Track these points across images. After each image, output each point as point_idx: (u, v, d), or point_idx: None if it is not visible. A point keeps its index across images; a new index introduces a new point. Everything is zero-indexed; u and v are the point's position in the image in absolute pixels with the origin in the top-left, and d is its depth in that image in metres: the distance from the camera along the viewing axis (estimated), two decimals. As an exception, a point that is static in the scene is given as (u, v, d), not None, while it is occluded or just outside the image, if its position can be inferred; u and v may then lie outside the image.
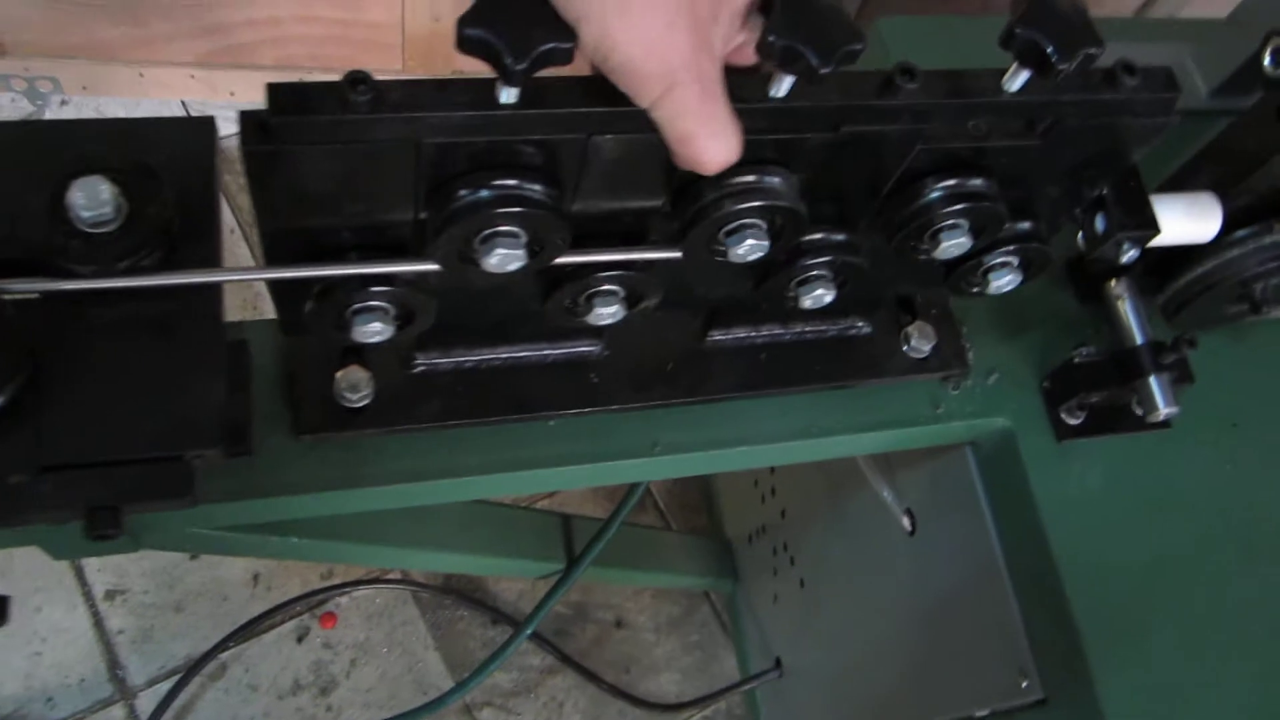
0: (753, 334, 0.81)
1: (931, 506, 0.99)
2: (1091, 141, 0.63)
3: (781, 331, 0.82)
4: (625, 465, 0.79)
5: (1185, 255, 0.83)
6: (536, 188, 0.54)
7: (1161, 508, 0.85)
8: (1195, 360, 0.91)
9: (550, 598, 1.23)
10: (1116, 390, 0.83)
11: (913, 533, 1.02)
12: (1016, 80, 0.57)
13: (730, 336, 0.81)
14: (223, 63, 1.70)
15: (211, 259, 0.59)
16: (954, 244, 0.64)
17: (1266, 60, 0.65)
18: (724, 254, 0.60)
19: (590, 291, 0.64)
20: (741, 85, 0.54)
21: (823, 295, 0.68)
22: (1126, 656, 0.79)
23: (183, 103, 1.76)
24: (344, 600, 1.53)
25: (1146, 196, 0.70)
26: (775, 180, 0.59)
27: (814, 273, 0.67)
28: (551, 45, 0.47)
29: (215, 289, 0.58)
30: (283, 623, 1.50)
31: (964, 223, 0.64)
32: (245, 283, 1.38)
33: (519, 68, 0.47)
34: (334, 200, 0.54)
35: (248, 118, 0.49)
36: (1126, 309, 0.84)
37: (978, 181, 0.63)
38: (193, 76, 1.70)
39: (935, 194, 0.63)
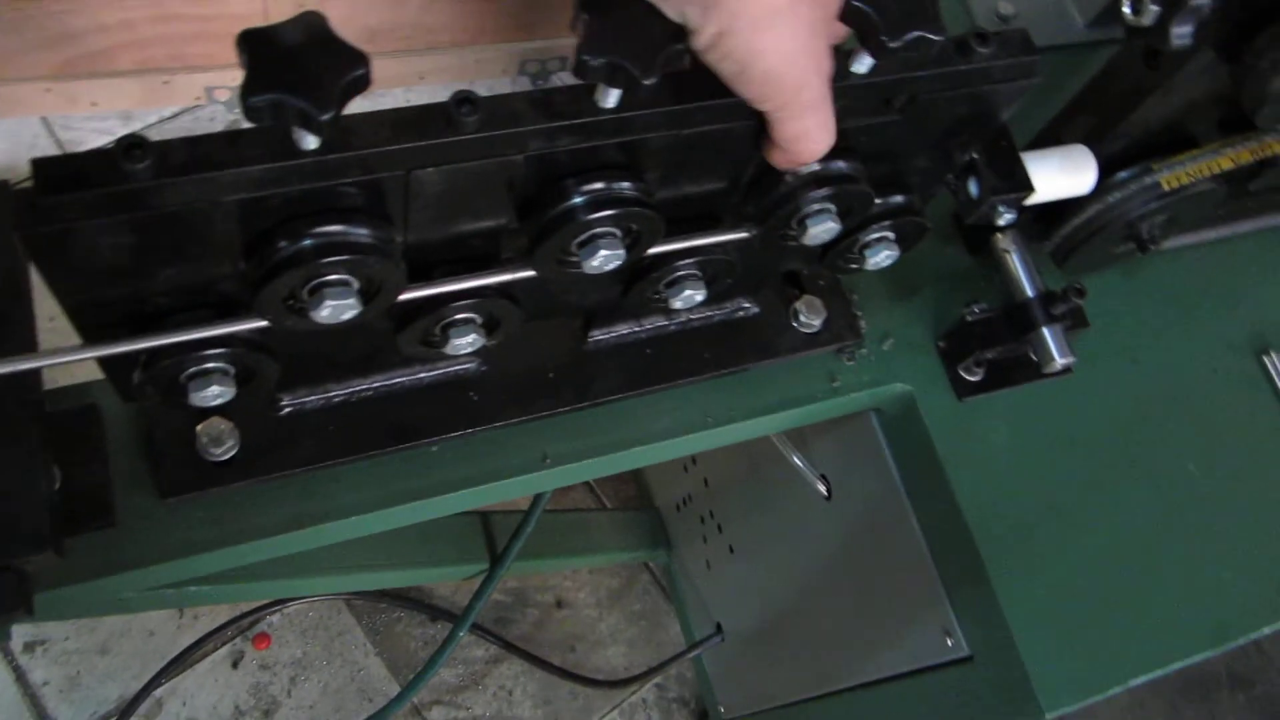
0: (635, 329, 0.78)
1: (844, 472, 0.97)
2: (953, 111, 0.60)
3: (665, 323, 0.79)
4: (516, 483, 0.76)
5: (1070, 202, 0.81)
6: (362, 231, 0.51)
7: (1065, 452, 0.85)
8: (1090, 301, 0.90)
9: (479, 598, 1.21)
10: (1011, 345, 0.82)
11: (829, 498, 1.00)
12: (863, 63, 0.54)
13: (612, 335, 0.78)
14: (79, 73, 1.61)
15: (26, 341, 0.54)
16: (823, 229, 0.61)
17: (1125, 8, 0.63)
18: (577, 266, 0.57)
19: (445, 322, 0.61)
20: (577, 99, 0.51)
21: (693, 295, 0.65)
22: (1040, 607, 0.79)
23: (44, 119, 1.67)
24: (275, 619, 1.49)
25: (1019, 157, 0.68)
26: (625, 186, 0.55)
27: (681, 274, 0.64)
28: (353, 76, 0.43)
29: (33, 376, 0.54)
30: (215, 650, 1.46)
31: (831, 207, 0.61)
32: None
33: (324, 117, 0.43)
34: (138, 268, 0.50)
35: (18, 196, 0.45)
36: (1015, 262, 0.82)
37: (840, 164, 0.60)
38: (49, 90, 1.61)
39: (797, 181, 0.60)
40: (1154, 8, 0.61)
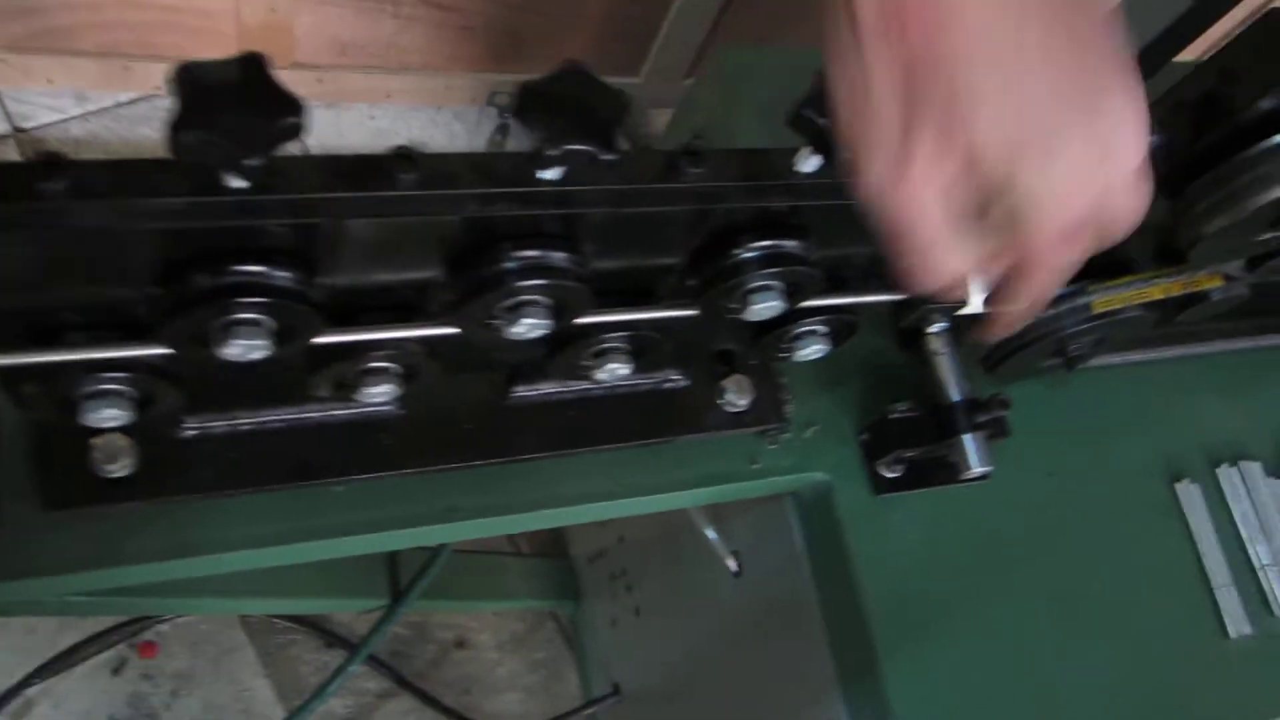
0: (560, 390, 0.77)
1: (756, 552, 0.97)
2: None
3: (592, 387, 0.78)
4: (419, 532, 0.74)
5: (1001, 311, 0.82)
6: (281, 274, 0.49)
7: (974, 557, 0.85)
8: (1014, 410, 0.91)
9: (376, 633, 1.19)
10: (932, 447, 0.82)
11: (738, 575, 1.00)
12: (808, 163, 0.54)
13: (536, 393, 0.76)
14: (39, 47, 1.57)
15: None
16: (766, 306, 0.60)
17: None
18: (499, 330, 0.56)
19: (361, 369, 0.59)
20: (518, 168, 0.50)
21: (617, 369, 0.64)
22: (929, 708, 0.79)
23: (-5, 88, 1.62)
24: (166, 627, 1.44)
25: (953, 264, 0.68)
26: (558, 256, 0.55)
27: (608, 346, 0.64)
28: (285, 123, 0.42)
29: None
30: (97, 654, 1.41)
31: (777, 284, 0.60)
32: None
33: (251, 163, 0.42)
34: (43, 282, 0.48)
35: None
36: (944, 364, 0.82)
37: (792, 243, 0.59)
38: (4, 61, 1.57)
39: (747, 254, 0.59)
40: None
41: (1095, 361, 0.95)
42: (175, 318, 0.49)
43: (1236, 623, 0.90)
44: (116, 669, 1.42)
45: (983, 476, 0.81)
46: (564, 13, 1.67)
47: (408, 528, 0.73)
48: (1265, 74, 0.59)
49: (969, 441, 0.80)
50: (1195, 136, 0.64)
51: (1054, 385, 0.95)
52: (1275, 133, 0.62)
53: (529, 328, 0.55)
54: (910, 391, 0.85)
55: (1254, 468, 0.98)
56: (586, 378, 0.67)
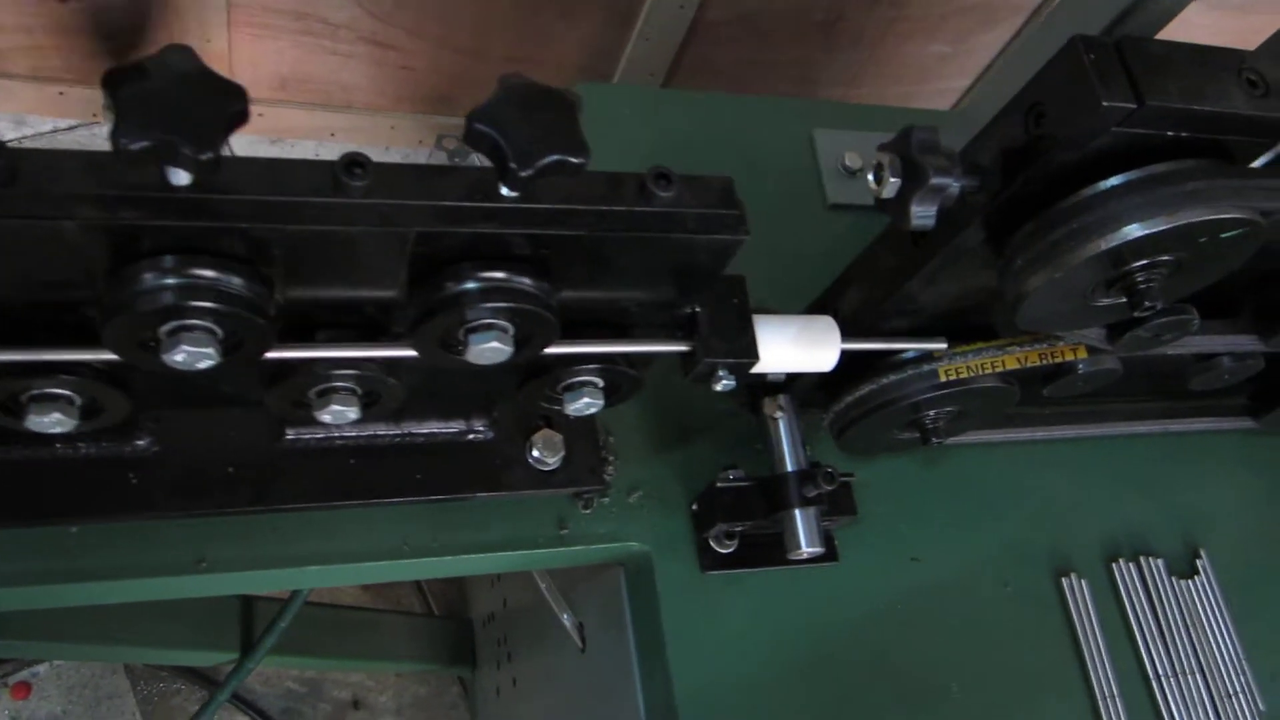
0: (342, 433, 0.70)
1: (596, 626, 0.89)
2: (642, 256, 0.53)
3: (382, 432, 0.71)
4: (161, 583, 0.67)
5: (847, 377, 0.74)
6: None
7: (813, 649, 0.76)
8: (877, 489, 0.83)
9: (223, 689, 1.11)
10: (762, 521, 0.74)
11: (583, 650, 0.91)
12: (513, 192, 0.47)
13: (312, 435, 0.70)
14: (-30, 70, 1.56)
15: None
16: (488, 348, 0.53)
17: (869, 175, 0.56)
18: (163, 363, 0.50)
19: (25, 394, 0.53)
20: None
21: (344, 411, 0.57)
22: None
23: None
24: (43, 669, 1.38)
25: (750, 320, 0.61)
26: (235, 280, 0.48)
27: (333, 385, 0.57)
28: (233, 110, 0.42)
29: None
30: (-36, 692, 1.34)
31: (501, 324, 0.53)
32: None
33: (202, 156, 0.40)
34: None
35: None
36: (780, 430, 0.74)
37: (524, 280, 0.52)
38: (-64, 83, 1.56)
39: (461, 288, 0.52)
40: (893, 180, 0.55)
41: (975, 439, 0.86)
42: None
43: (1120, 740, 0.81)
44: (-17, 710, 1.35)
45: (811, 559, 0.73)
46: (513, 57, 1.63)
47: (148, 577, 0.66)
48: (1073, 115, 0.52)
49: (800, 517, 0.72)
50: (1010, 182, 0.56)
51: (928, 464, 0.86)
52: (1095, 179, 0.54)
53: (191, 357, 0.48)
54: (756, 459, 0.77)
55: (1157, 565, 0.88)
56: (311, 420, 0.59)
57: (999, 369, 0.71)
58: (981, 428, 0.83)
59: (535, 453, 0.73)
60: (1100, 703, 0.81)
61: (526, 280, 0.52)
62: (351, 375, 0.57)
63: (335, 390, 0.57)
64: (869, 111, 1.20)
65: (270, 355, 0.52)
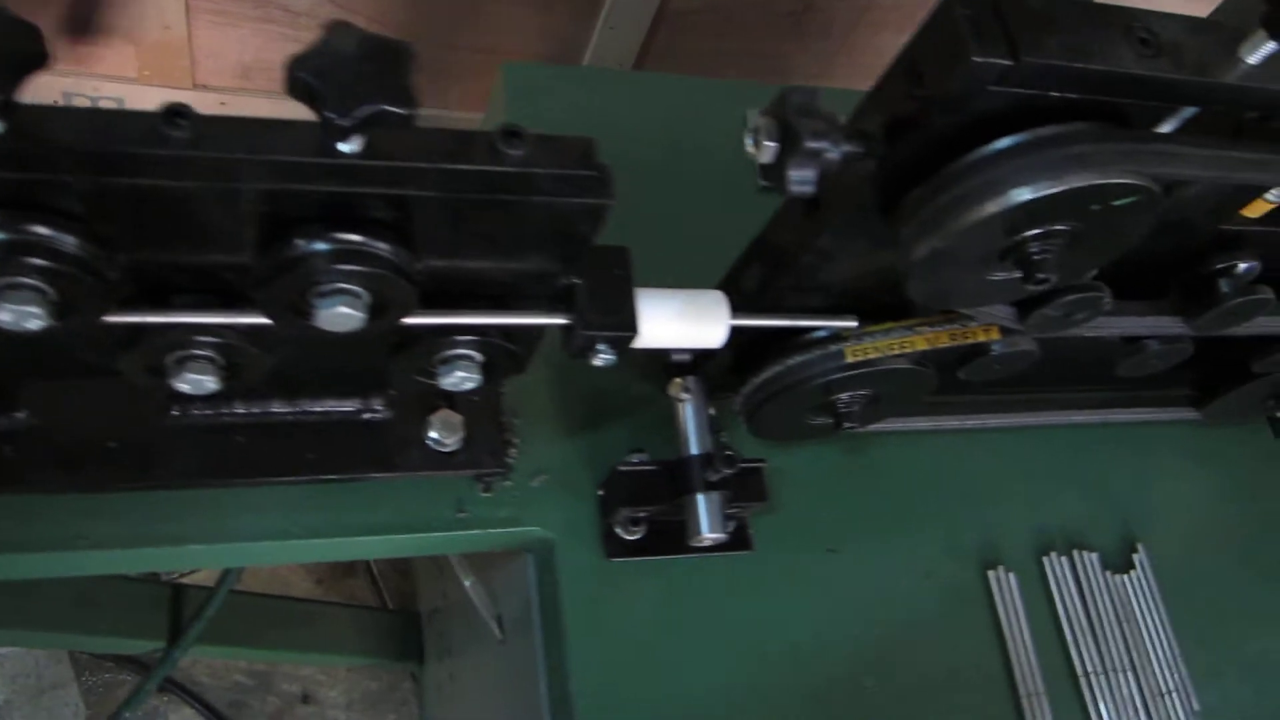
0: (234, 410, 0.68)
1: (510, 614, 0.86)
2: (500, 219, 0.51)
3: (276, 410, 0.69)
4: (40, 559, 0.65)
5: (752, 357, 0.71)
6: None
7: (721, 642, 0.74)
8: (795, 477, 0.80)
9: (150, 679, 1.09)
10: (667, 506, 0.72)
11: (502, 640, 0.89)
12: (353, 142, 0.45)
13: (202, 411, 0.68)
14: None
15: None
16: (338, 314, 0.50)
17: (747, 139, 0.54)
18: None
19: None
20: None
21: (201, 380, 0.55)
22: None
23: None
24: (-14, 657, 1.36)
25: (630, 292, 0.58)
26: (67, 239, 0.46)
27: (188, 352, 0.55)
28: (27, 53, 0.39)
29: None
30: (-95, 680, 1.33)
31: (352, 289, 0.50)
32: None
33: None
34: None
35: None
36: (687, 412, 0.72)
37: (381, 245, 0.50)
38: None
39: (311, 249, 0.49)
40: (769, 144, 0.52)
41: (903, 426, 0.84)
42: None
43: (1043, 738, 0.78)
44: (-77, 698, 1.33)
45: (713, 545, 0.70)
46: (479, 47, 1.61)
47: (26, 552, 0.64)
48: (947, 74, 0.50)
49: (703, 502, 0.70)
50: (894, 147, 0.54)
51: (852, 452, 0.84)
52: (978, 144, 0.52)
53: (17, 316, 0.46)
54: (670, 444, 0.75)
55: (1091, 559, 0.86)
56: (167, 392, 0.57)
57: (908, 350, 0.68)
58: (902, 414, 0.81)
59: (433, 433, 0.71)
60: (1025, 700, 0.79)
61: (383, 245, 0.50)
62: (210, 343, 0.55)
63: (192, 359, 0.55)
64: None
65: (110, 319, 0.50)
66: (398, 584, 1.53)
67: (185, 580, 1.26)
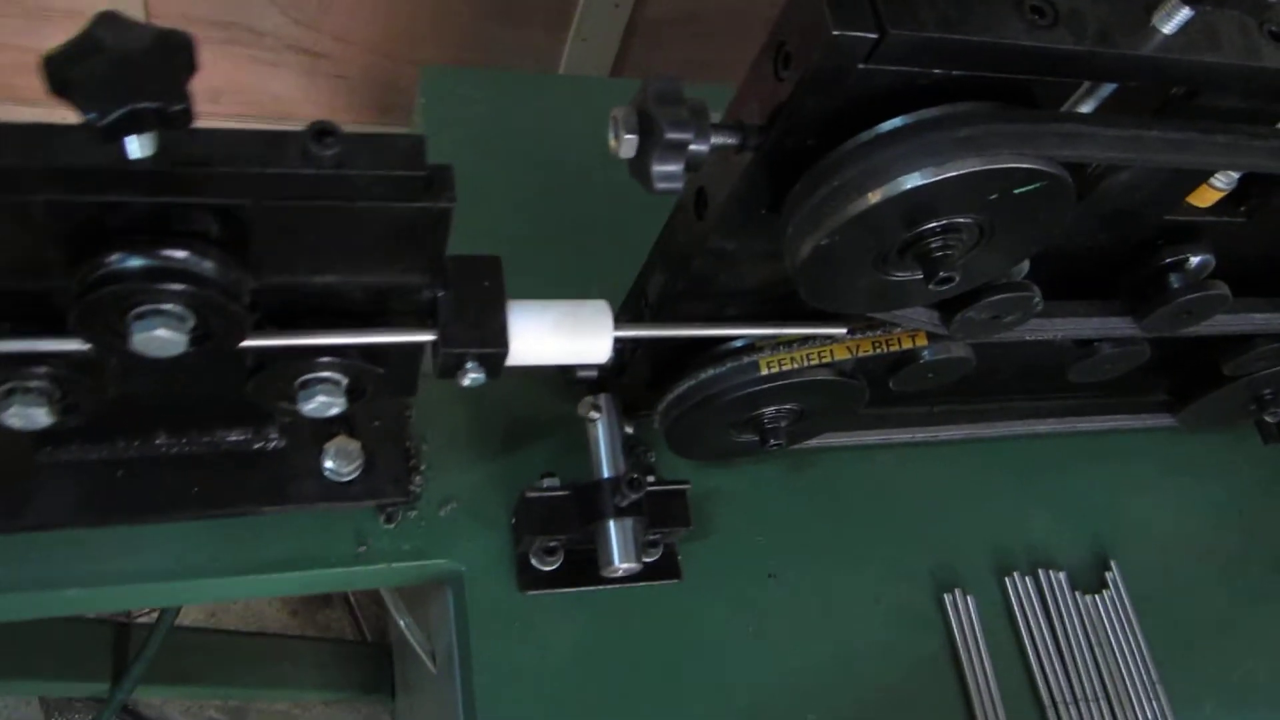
0: (115, 444, 0.64)
1: (442, 649, 0.82)
2: (336, 229, 0.47)
3: (161, 442, 0.65)
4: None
5: (667, 371, 0.67)
6: None
7: (650, 688, 0.68)
8: (727, 500, 0.75)
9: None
10: (581, 533, 0.67)
11: (436, 674, 0.84)
12: (139, 146, 0.41)
13: (74, 449, 0.64)
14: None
15: None
16: (154, 337, 0.46)
17: (609, 132, 0.49)
18: None
19: None
20: None
21: (32, 414, 0.51)
22: None
23: None
24: (-48, 697, 1.33)
25: (500, 304, 0.54)
26: None
27: (13, 384, 0.51)
28: None
29: None
30: None
31: (171, 309, 0.46)
32: None
33: None
34: None
35: None
36: (598, 433, 0.67)
37: (204, 264, 0.46)
38: None
39: (123, 266, 0.45)
40: (628, 137, 0.48)
41: (849, 440, 0.79)
42: None
43: (1005, 777, 0.72)
44: (-114, 742, 1.31)
45: (626, 576, 0.66)
46: (449, 63, 1.58)
47: (-113, 602, 0.61)
48: (810, 52, 0.45)
49: (614, 529, 0.65)
50: (768, 137, 0.49)
51: (794, 470, 0.78)
52: (862, 130, 0.47)
53: None
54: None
55: (1058, 578, 0.80)
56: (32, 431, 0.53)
57: (826, 360, 0.63)
58: (838, 429, 0.75)
59: (328, 462, 0.66)
60: (984, 734, 0.73)
61: (206, 262, 0.46)
62: (37, 373, 0.51)
63: (17, 391, 0.51)
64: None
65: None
66: (376, 614, 1.49)
67: (142, 619, 1.22)
